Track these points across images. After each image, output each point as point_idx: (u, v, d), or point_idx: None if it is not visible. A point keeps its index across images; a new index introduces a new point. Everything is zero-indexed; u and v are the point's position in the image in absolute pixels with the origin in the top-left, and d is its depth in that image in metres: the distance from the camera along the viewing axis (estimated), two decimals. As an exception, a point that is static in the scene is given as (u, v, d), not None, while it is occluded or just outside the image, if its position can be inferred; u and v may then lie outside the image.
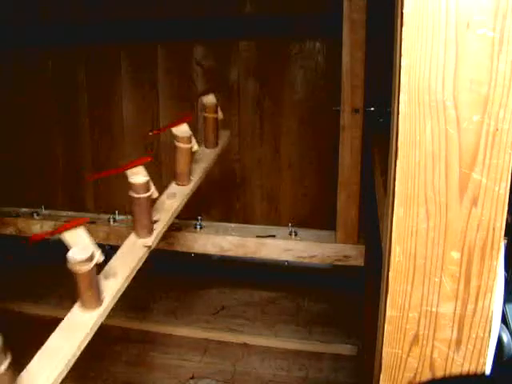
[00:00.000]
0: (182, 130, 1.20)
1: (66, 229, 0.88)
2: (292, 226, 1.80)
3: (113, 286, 0.95)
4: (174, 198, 1.19)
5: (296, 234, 1.76)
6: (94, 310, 0.91)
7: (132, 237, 1.06)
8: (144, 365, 1.80)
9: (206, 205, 2.37)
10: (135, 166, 1.05)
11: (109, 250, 1.67)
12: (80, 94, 2.47)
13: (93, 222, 1.89)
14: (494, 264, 0.54)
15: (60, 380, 0.85)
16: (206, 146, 1.40)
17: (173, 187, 1.23)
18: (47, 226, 1.94)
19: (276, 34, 2.21)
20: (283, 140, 2.32)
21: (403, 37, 0.51)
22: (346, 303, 2.12)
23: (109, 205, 2.45)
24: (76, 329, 0.89)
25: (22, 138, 2.58)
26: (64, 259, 0.80)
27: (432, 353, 0.58)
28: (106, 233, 1.85)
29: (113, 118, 2.46)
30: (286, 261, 1.77)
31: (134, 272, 1.06)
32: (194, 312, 2.11)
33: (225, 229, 1.82)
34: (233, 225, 1.86)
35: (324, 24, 2.10)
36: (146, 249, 1.09)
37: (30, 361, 0.75)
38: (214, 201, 2.43)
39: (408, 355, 0.59)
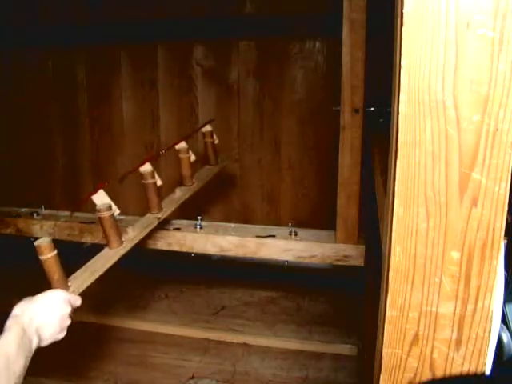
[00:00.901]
0: (182, 145, 1.66)
1: (93, 194, 1.34)
2: (292, 226, 1.79)
3: (131, 235, 1.42)
4: (179, 193, 1.66)
5: (296, 234, 1.75)
6: (117, 248, 1.35)
7: (147, 214, 1.54)
8: (144, 365, 1.80)
9: (206, 205, 2.37)
10: (145, 163, 1.52)
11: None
12: (80, 94, 2.47)
13: (92, 222, 1.89)
14: (494, 264, 0.54)
15: (92, 281, 1.24)
16: (209, 164, 1.81)
17: (180, 188, 1.68)
18: (47, 226, 1.94)
19: (276, 34, 2.21)
20: (283, 140, 2.32)
21: (403, 37, 0.51)
22: (346, 303, 2.12)
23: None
24: (105, 257, 1.32)
25: (22, 138, 2.58)
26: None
27: (432, 353, 0.58)
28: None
29: (113, 118, 2.46)
30: (286, 261, 1.77)
31: (145, 232, 1.48)
32: (194, 312, 2.11)
33: (225, 229, 1.81)
34: (233, 225, 1.86)
35: (324, 24, 2.10)
36: (157, 220, 1.54)
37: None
38: (214, 201, 2.43)
39: (408, 355, 0.59)
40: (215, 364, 1.79)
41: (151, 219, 1.55)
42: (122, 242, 1.38)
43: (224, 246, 1.75)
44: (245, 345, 1.90)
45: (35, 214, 2.01)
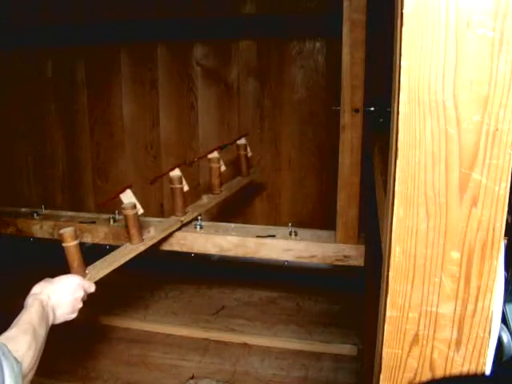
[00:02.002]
0: (214, 155, 1.77)
1: (121, 192, 1.49)
2: (292, 225, 1.79)
3: (152, 234, 1.56)
4: (206, 200, 1.81)
5: (296, 234, 1.75)
6: (138, 243, 1.48)
7: (171, 217, 1.70)
8: (144, 365, 1.80)
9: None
10: (175, 169, 1.65)
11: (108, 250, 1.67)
12: (80, 94, 2.47)
13: (93, 222, 1.89)
14: (494, 264, 0.54)
15: (109, 271, 1.37)
16: (241, 175, 1.95)
17: (207, 195, 1.82)
18: (47, 226, 1.94)
19: (276, 34, 2.21)
20: (283, 140, 2.32)
21: (403, 37, 0.51)
22: (346, 303, 2.12)
23: (108, 205, 2.45)
24: (125, 251, 1.46)
25: (22, 138, 2.58)
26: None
27: (432, 353, 0.58)
28: (105, 233, 1.85)
29: (113, 118, 2.46)
30: (286, 261, 1.77)
31: (166, 233, 1.64)
32: (194, 312, 2.11)
33: (225, 229, 1.81)
34: (233, 225, 1.86)
35: (324, 24, 2.10)
36: (179, 222, 1.68)
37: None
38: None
39: (408, 355, 0.59)
40: (215, 364, 1.79)
41: (174, 221, 1.67)
42: (143, 240, 1.51)
43: (224, 246, 1.75)
44: (245, 345, 1.90)
45: (35, 214, 2.00)
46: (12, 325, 0.89)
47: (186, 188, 1.66)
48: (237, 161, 1.95)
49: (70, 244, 1.28)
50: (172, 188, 1.64)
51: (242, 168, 1.93)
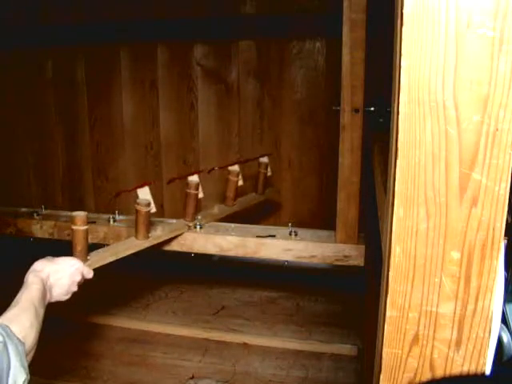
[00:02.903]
0: (234, 168, 1.81)
1: (139, 187, 1.51)
2: (292, 226, 1.79)
3: (158, 234, 1.59)
4: (217, 210, 1.85)
5: (296, 234, 1.75)
6: (143, 239, 1.52)
7: (181, 220, 1.73)
8: (144, 365, 1.80)
9: (205, 205, 2.37)
10: (194, 174, 1.70)
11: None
12: (80, 94, 2.47)
13: (93, 222, 1.89)
14: (494, 264, 0.54)
15: (109, 261, 1.39)
16: (256, 192, 1.98)
17: (219, 206, 1.87)
18: (47, 226, 1.93)
19: (276, 34, 2.21)
20: (283, 140, 2.32)
21: (403, 37, 0.51)
22: (346, 303, 2.12)
23: (109, 205, 2.45)
24: (130, 244, 1.50)
25: (22, 138, 2.58)
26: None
27: (432, 353, 0.58)
28: (105, 233, 1.85)
29: (113, 118, 2.46)
30: (286, 261, 1.77)
31: (172, 235, 1.67)
32: (194, 312, 2.11)
33: (225, 229, 1.81)
34: (233, 225, 1.85)
35: (324, 24, 2.10)
36: (187, 227, 1.72)
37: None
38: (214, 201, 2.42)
39: (408, 355, 0.59)
40: (215, 364, 1.79)
41: (182, 225, 1.71)
42: (149, 237, 1.54)
43: (224, 246, 1.75)
44: (245, 345, 1.90)
45: (35, 214, 2.00)
46: (13, 302, 0.91)
47: (201, 195, 1.70)
48: (255, 178, 1.97)
49: (80, 228, 1.32)
50: (187, 192, 1.68)
51: (259, 186, 1.96)
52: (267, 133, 2.33)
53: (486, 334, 0.56)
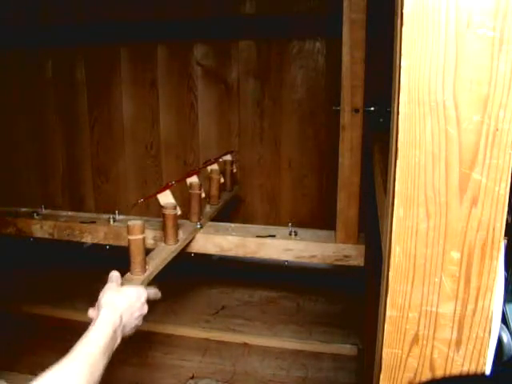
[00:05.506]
0: (214, 167, 1.88)
1: (159, 192, 1.53)
2: (292, 226, 1.79)
3: (182, 236, 1.59)
4: (209, 209, 1.91)
5: (296, 234, 1.75)
6: (173, 245, 1.50)
7: (187, 221, 1.75)
8: (144, 365, 1.80)
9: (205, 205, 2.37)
10: (193, 174, 1.75)
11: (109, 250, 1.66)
12: (80, 94, 2.47)
13: (93, 222, 1.89)
14: (494, 264, 0.54)
15: (159, 270, 1.40)
16: (225, 190, 2.06)
17: (209, 205, 1.93)
18: (47, 226, 1.94)
19: (276, 34, 2.21)
20: (283, 140, 2.32)
21: (403, 37, 0.51)
22: (346, 303, 2.12)
23: (109, 205, 2.45)
24: (166, 251, 1.47)
25: (22, 138, 2.58)
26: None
27: (432, 353, 0.58)
28: (105, 233, 1.85)
29: (113, 118, 2.46)
30: (286, 261, 1.77)
31: (191, 237, 1.70)
32: (194, 312, 2.11)
33: (225, 229, 1.82)
34: (233, 225, 1.86)
35: (324, 24, 2.10)
36: (198, 229, 1.76)
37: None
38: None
39: (408, 355, 0.59)
40: (215, 364, 1.79)
41: (192, 225, 1.75)
42: (178, 241, 1.53)
43: (224, 246, 1.76)
44: (245, 345, 1.90)
45: (35, 214, 2.00)
46: (72, 349, 0.79)
47: (203, 195, 1.76)
48: (223, 176, 2.04)
49: (138, 237, 1.26)
50: (191, 193, 1.71)
51: (227, 183, 2.06)
52: (267, 133, 2.33)
53: (486, 334, 0.56)
